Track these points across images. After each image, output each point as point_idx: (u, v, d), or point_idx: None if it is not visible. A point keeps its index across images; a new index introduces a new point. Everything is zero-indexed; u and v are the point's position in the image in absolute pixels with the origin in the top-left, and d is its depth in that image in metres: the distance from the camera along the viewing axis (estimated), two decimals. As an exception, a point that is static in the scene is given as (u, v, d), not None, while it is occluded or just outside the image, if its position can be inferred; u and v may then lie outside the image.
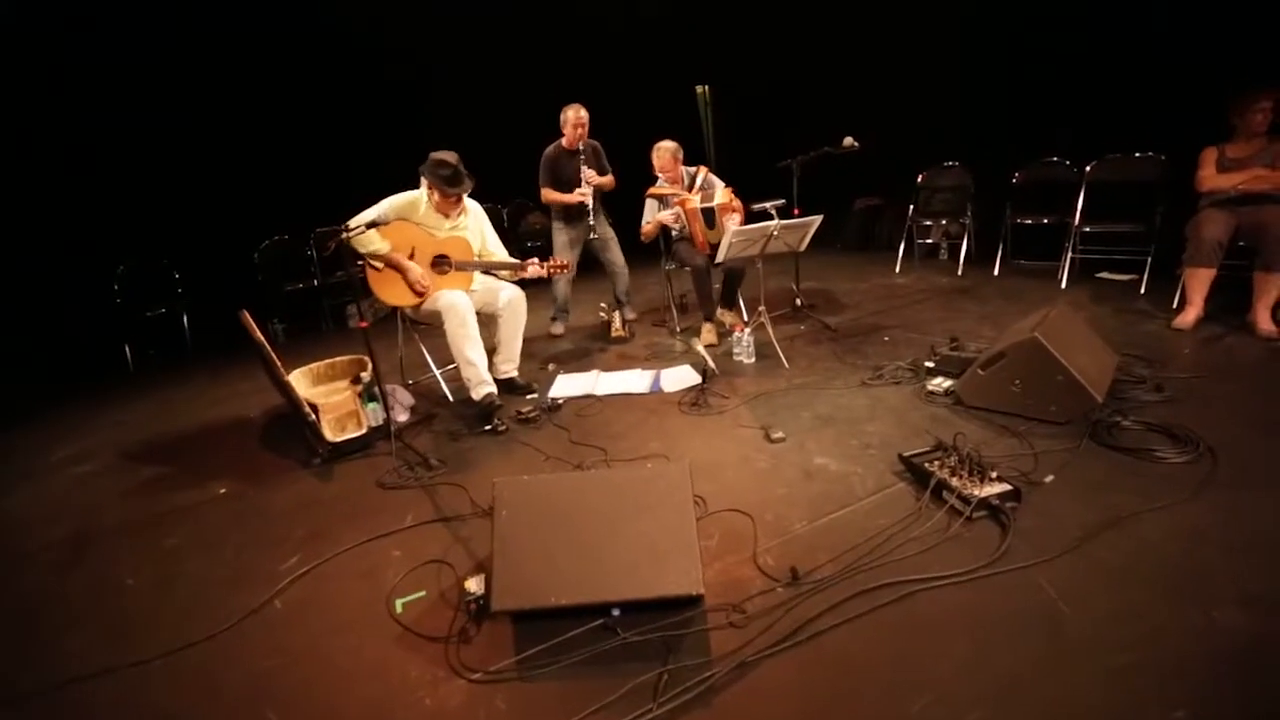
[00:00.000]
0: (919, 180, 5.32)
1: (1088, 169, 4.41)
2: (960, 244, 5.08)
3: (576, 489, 1.77)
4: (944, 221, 5.34)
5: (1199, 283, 3.35)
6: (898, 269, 5.22)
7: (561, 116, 3.98)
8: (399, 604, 1.83)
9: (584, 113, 3.96)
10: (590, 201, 3.97)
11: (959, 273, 4.95)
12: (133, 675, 1.69)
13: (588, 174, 3.96)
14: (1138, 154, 4.21)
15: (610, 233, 4.24)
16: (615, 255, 4.21)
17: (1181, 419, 2.35)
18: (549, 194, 4.07)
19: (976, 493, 1.94)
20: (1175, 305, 3.59)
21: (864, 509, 2.05)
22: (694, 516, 1.66)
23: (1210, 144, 3.48)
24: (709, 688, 1.44)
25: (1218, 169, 3.44)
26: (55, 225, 4.63)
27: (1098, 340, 2.74)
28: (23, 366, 4.25)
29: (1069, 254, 4.40)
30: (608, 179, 4.11)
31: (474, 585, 1.77)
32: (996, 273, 4.82)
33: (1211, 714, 1.26)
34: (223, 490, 2.69)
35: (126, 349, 4.98)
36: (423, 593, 1.87)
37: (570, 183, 4.00)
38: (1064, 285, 4.34)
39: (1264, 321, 3.15)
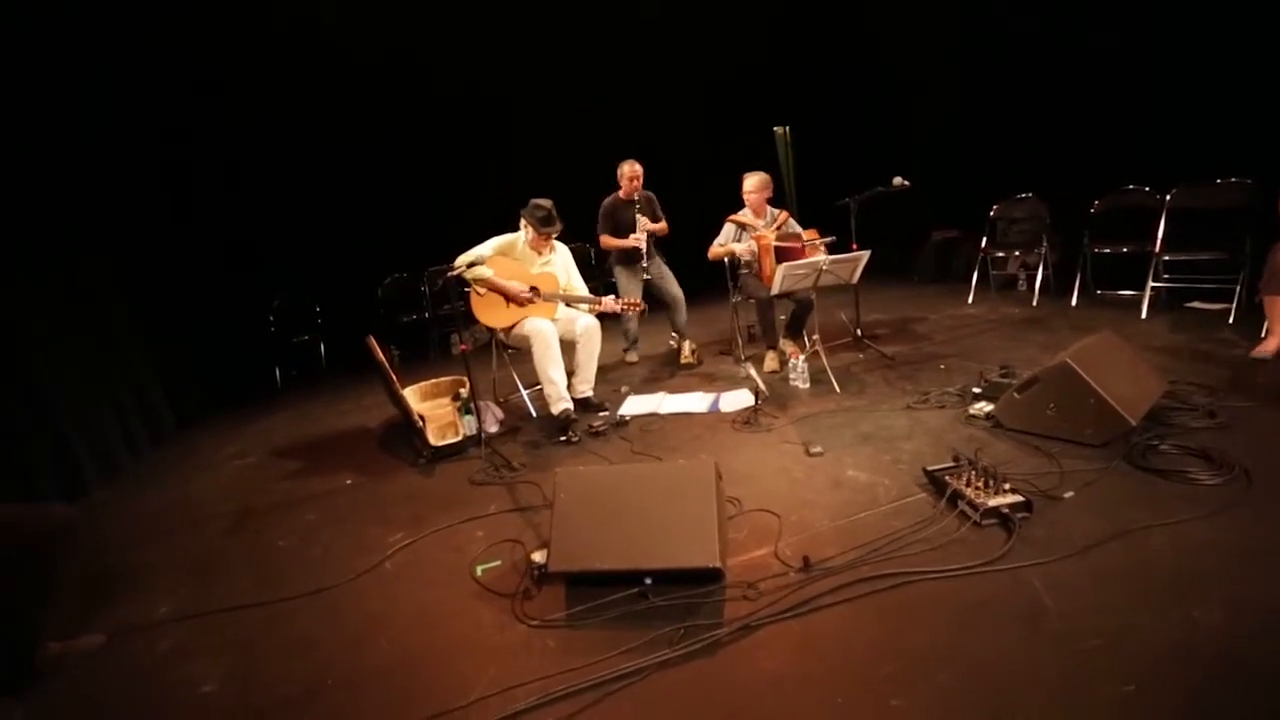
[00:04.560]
0: (992, 212, 5.35)
1: (1169, 196, 4.32)
2: (1036, 275, 5.04)
3: (621, 479, 2.14)
4: (1017, 253, 5.31)
5: (1278, 311, 3.26)
6: (970, 300, 5.24)
7: (618, 171, 4.44)
8: (479, 569, 2.26)
9: (638, 167, 4.42)
10: (644, 245, 4.37)
11: (1034, 303, 4.91)
12: (281, 607, 2.22)
13: (642, 221, 4.39)
14: (1219, 180, 4.10)
15: (666, 270, 4.61)
16: (672, 288, 4.58)
17: (1227, 445, 2.37)
18: (608, 240, 4.53)
19: (988, 502, 2.11)
20: (1263, 335, 3.47)
21: (883, 513, 2.27)
22: (715, 504, 1.97)
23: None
24: (716, 641, 1.74)
25: (1303, 193, 3.35)
26: (226, 270, 5.65)
27: (1143, 366, 2.77)
28: (201, 383, 5.21)
29: (1150, 283, 4.30)
30: (661, 225, 4.51)
31: (538, 557, 2.16)
32: (1074, 304, 4.74)
33: (1160, 691, 1.41)
34: (349, 481, 3.28)
35: (276, 370, 5.93)
36: (498, 561, 2.29)
37: (627, 229, 4.43)
38: (1144, 315, 4.23)
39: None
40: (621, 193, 4.48)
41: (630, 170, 4.41)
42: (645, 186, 4.51)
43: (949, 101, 6.25)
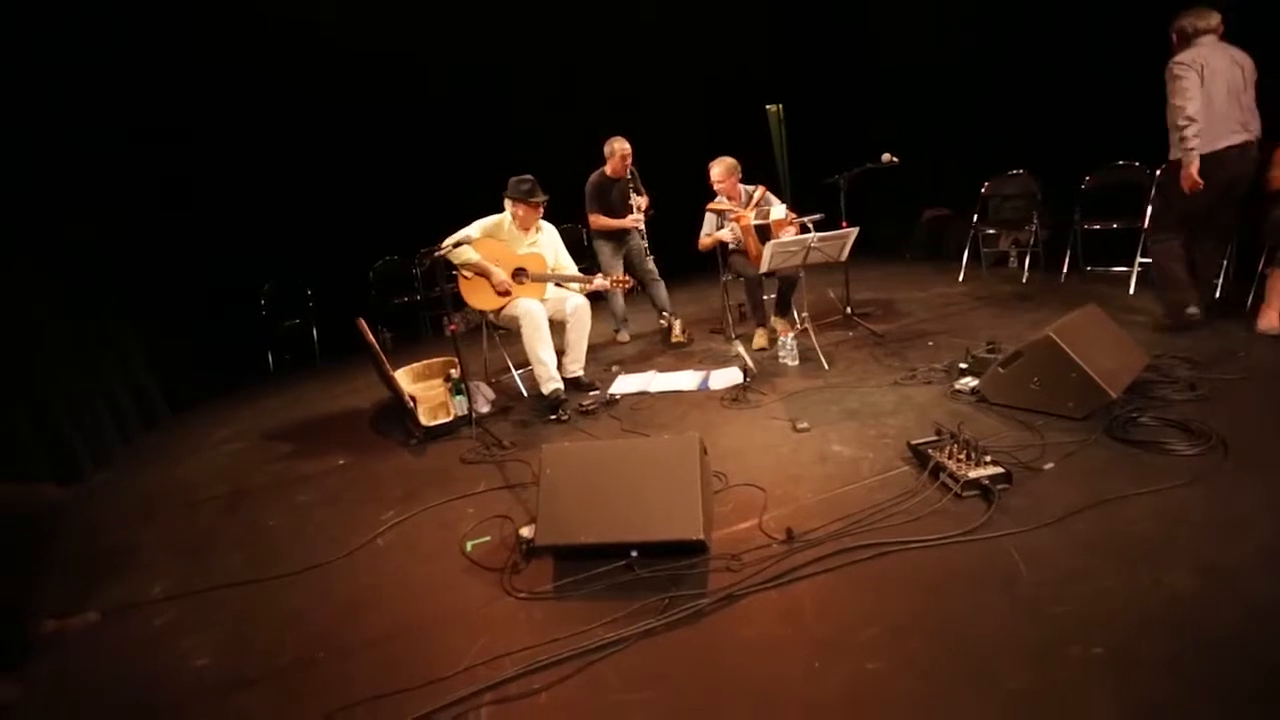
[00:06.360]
0: (983, 189, 5.33)
1: (1159, 171, 4.31)
2: (1027, 251, 5.05)
3: (607, 454, 2.16)
4: (1008, 230, 5.31)
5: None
6: (960, 277, 5.25)
7: (608, 148, 4.41)
8: (469, 545, 2.29)
9: (628, 145, 4.41)
10: (642, 225, 4.39)
11: (1024, 280, 4.93)
12: (273, 584, 2.25)
13: (637, 201, 4.38)
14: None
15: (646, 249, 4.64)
16: (651, 266, 4.59)
17: (1206, 416, 2.40)
18: (600, 220, 4.50)
19: (969, 474, 2.14)
20: (1249, 307, 3.48)
21: (866, 487, 2.30)
22: (699, 478, 1.99)
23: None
24: (699, 611, 1.77)
25: (1293, 166, 3.36)
26: (217, 255, 5.60)
27: (1126, 340, 2.80)
28: (192, 368, 5.21)
29: (1139, 259, 4.31)
30: (647, 199, 4.52)
31: (527, 532, 2.19)
32: (1064, 280, 4.76)
33: (1127, 650, 1.44)
34: (341, 462, 3.30)
35: (269, 355, 5.92)
36: (488, 537, 2.33)
37: (618, 207, 4.43)
38: (1133, 290, 4.25)
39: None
40: (610, 170, 4.46)
41: (622, 148, 4.39)
42: (635, 165, 4.50)
43: (941, 79, 6.19)
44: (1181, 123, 3.16)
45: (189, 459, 3.78)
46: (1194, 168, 3.17)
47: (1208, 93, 3.13)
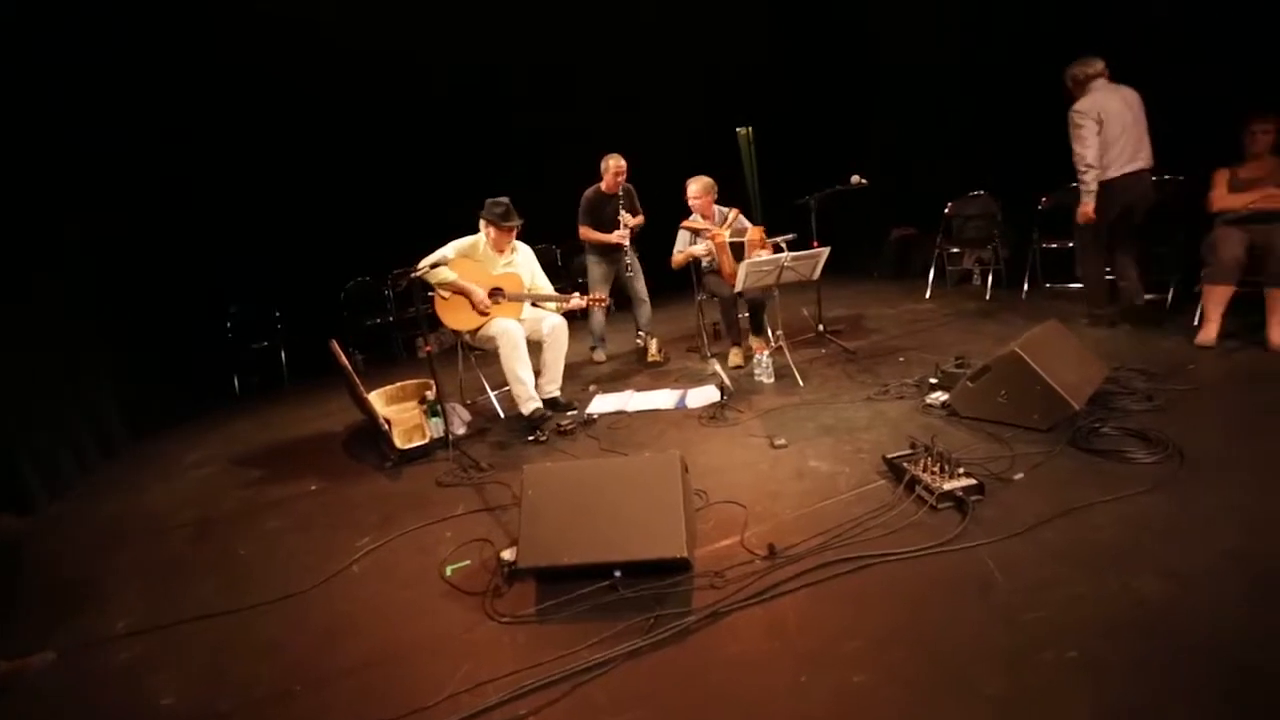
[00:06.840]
0: (946, 210, 5.52)
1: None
2: (989, 269, 5.23)
3: (588, 474, 2.16)
4: (971, 249, 5.50)
5: (1218, 300, 3.43)
6: (928, 295, 5.40)
7: (603, 164, 4.48)
8: (448, 569, 2.26)
9: (623, 162, 4.47)
10: (627, 242, 4.45)
11: (987, 297, 5.09)
12: (248, 614, 2.19)
13: (625, 218, 4.44)
14: (1154, 178, 4.29)
15: (638, 268, 4.69)
16: (640, 287, 4.65)
17: (1163, 426, 2.50)
18: (589, 233, 4.57)
19: (943, 486, 2.20)
20: (1196, 323, 3.65)
21: (844, 501, 2.34)
22: (681, 496, 2.01)
23: (1224, 166, 3.63)
24: (685, 629, 1.78)
25: (1230, 189, 3.56)
26: (182, 278, 5.48)
27: (1087, 353, 2.91)
28: (158, 393, 5.05)
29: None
30: (639, 219, 4.59)
31: (508, 555, 2.17)
32: (1025, 297, 4.93)
33: (1099, 654, 1.49)
34: (314, 487, 3.23)
35: (235, 378, 5.78)
36: (467, 561, 2.30)
37: (608, 223, 4.49)
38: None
39: (1276, 337, 3.21)
40: (604, 185, 4.52)
41: (616, 165, 4.46)
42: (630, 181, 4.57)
43: (908, 102, 6.41)
44: (1081, 169, 3.68)
45: (155, 486, 3.66)
46: (1089, 206, 3.73)
47: (1104, 136, 3.59)
